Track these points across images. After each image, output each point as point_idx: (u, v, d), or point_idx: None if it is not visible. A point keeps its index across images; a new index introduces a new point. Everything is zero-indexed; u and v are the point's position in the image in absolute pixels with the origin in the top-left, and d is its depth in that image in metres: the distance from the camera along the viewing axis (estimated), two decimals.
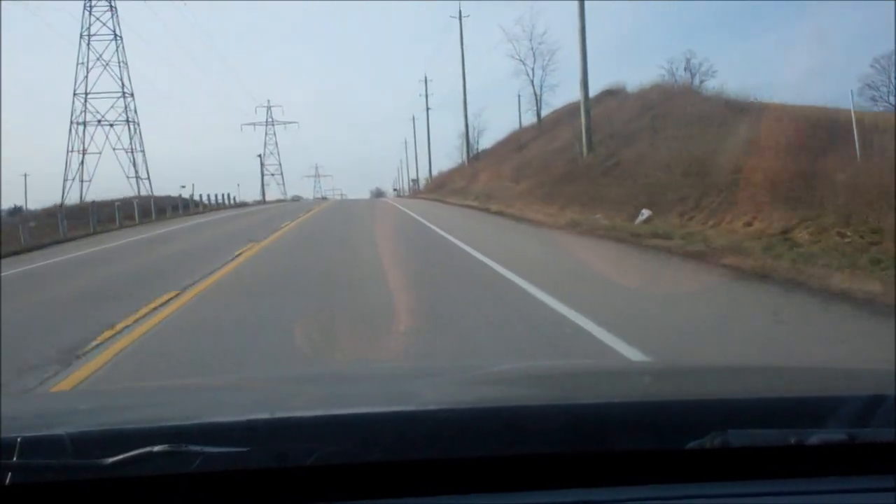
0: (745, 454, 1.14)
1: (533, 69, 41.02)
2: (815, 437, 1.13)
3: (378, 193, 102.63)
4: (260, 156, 79.00)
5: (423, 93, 60.01)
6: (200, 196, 42.22)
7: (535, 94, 41.78)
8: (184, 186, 41.21)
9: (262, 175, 76.94)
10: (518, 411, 1.29)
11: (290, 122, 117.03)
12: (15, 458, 1.06)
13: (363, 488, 1.12)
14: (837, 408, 1.20)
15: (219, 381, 2.62)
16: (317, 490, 1.12)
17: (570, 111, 38.78)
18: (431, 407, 1.40)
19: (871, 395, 1.25)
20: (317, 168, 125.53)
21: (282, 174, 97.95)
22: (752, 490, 1.12)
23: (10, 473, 1.06)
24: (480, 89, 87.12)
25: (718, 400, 1.37)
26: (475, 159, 44.19)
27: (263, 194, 73.23)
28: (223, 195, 47.57)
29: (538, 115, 41.76)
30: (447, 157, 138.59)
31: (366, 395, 1.67)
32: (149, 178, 49.28)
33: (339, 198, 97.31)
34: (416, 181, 70.46)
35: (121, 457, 1.06)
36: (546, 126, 38.84)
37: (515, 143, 41.17)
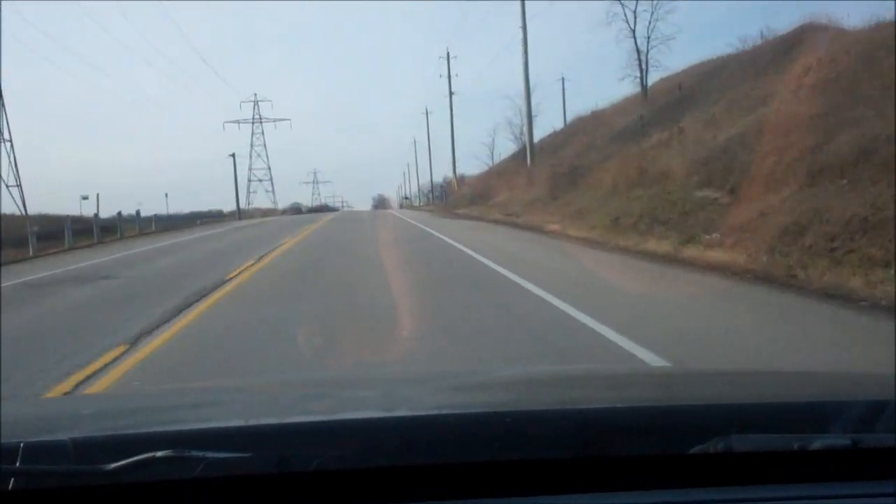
0: (748, 459, 1.14)
1: (635, 13, 26.15)
2: (819, 443, 1.13)
3: (380, 203, 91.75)
4: (233, 155, 61.54)
5: (444, 73, 48.26)
6: (120, 213, 28.28)
7: (638, 52, 26.38)
8: (86, 197, 28.46)
9: (236, 181, 62.17)
10: (520, 416, 1.28)
11: (280, 120, 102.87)
12: (18, 464, 1.06)
13: (365, 494, 1.11)
14: (840, 413, 1.20)
15: (221, 386, 2.63)
16: (318, 496, 1.12)
17: (708, 72, 21.95)
18: (433, 412, 1.40)
19: (873, 400, 1.26)
20: (315, 173, 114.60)
21: (271, 179, 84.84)
22: (755, 495, 1.12)
23: (12, 479, 1.06)
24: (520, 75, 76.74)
25: (721, 405, 1.37)
26: (521, 157, 31.98)
27: (238, 206, 58.41)
28: (136, 213, 30.31)
29: (643, 82, 27.10)
30: (472, 157, 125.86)
31: (367, 399, 1.67)
32: (19, 184, 30.32)
33: (341, 206, 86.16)
34: (443, 188, 52.98)
35: (123, 462, 1.06)
36: (656, 96, 24.39)
37: (582, 130, 27.78)
